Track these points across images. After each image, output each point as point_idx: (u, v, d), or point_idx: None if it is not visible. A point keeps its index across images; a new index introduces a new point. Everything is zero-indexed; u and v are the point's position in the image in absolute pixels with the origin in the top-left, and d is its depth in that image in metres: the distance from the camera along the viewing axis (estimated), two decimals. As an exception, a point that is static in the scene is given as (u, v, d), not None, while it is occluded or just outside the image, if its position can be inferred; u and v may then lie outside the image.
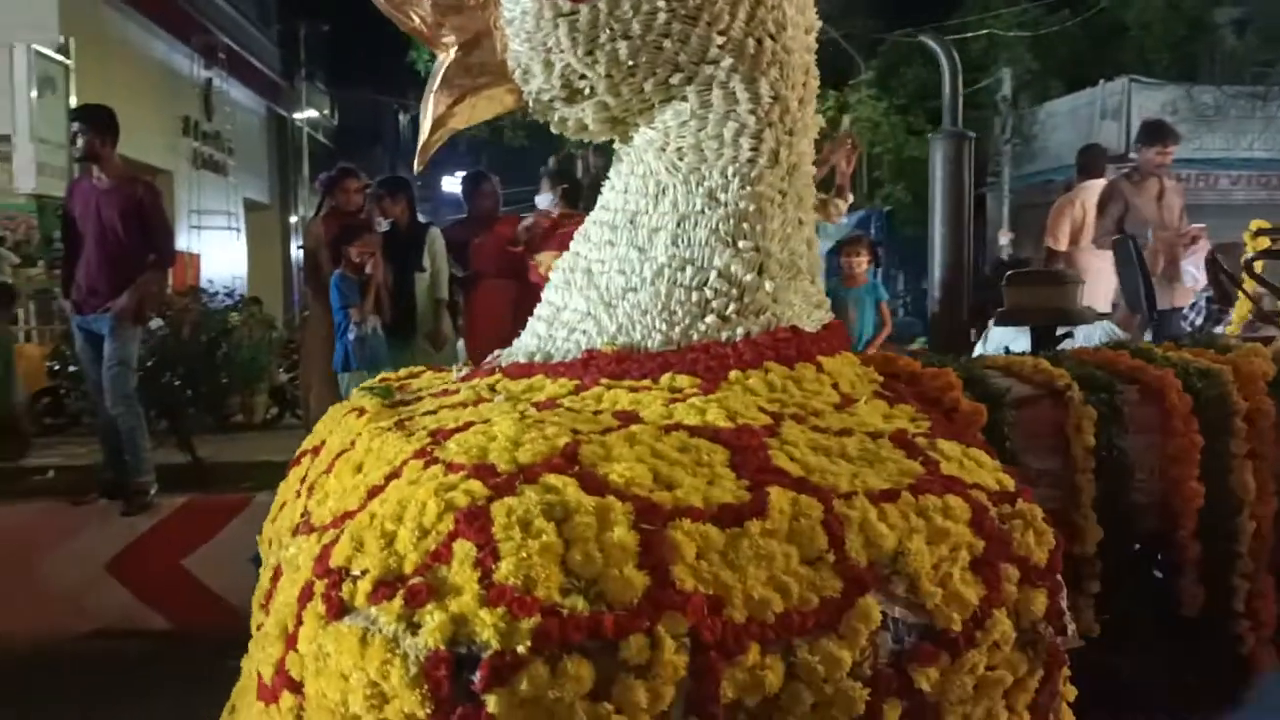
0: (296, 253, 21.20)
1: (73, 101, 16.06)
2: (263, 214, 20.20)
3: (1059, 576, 1.77)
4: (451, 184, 21.87)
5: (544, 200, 6.98)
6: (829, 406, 2.00)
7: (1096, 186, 7.70)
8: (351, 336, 6.25)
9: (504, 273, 6.67)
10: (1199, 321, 5.55)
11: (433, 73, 2.25)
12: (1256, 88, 17.87)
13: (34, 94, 16.87)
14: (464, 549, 1.47)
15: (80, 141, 6.16)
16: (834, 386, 2.09)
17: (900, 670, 1.60)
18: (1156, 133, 7.22)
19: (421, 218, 7.42)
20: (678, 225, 2.19)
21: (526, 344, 2.28)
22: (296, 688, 1.51)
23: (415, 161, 2.28)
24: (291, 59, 21.63)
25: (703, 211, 2.18)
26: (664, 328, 2.14)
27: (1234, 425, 2.46)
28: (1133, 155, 8.14)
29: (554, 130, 2.31)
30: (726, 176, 2.18)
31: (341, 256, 6.44)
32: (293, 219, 20.94)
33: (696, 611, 1.47)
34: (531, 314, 2.35)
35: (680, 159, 2.20)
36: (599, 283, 2.22)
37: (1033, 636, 1.71)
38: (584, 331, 2.19)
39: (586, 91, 2.18)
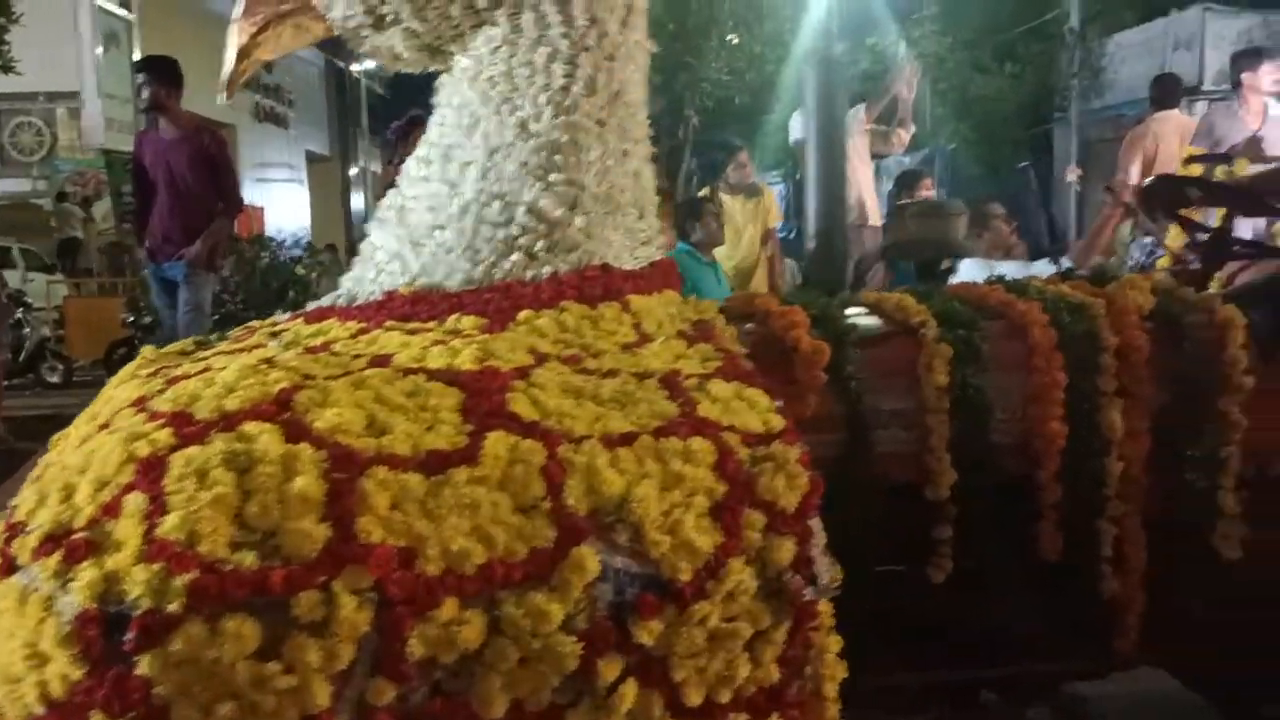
0: (357, 203, 21.41)
1: (136, 56, 16.36)
2: (323, 166, 20.45)
3: (811, 523, 1.68)
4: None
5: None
6: (616, 347, 1.92)
7: (1171, 118, 7.53)
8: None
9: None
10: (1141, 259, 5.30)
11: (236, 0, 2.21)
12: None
13: (99, 50, 17.26)
14: (135, 501, 1.44)
15: (145, 93, 6.31)
16: (636, 326, 2.01)
17: (620, 624, 1.53)
18: (1248, 56, 7.07)
19: None
20: (488, 158, 2.12)
21: (342, 286, 2.24)
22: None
23: (224, 93, 2.24)
24: (349, 9, 21.71)
25: (513, 143, 2.11)
26: (467, 266, 2.08)
27: (1102, 362, 2.32)
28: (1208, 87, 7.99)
29: (370, 59, 2.26)
30: (538, 105, 2.10)
31: None
32: (352, 170, 21.15)
33: (382, 565, 1.43)
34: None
35: (493, 88, 2.13)
36: (409, 220, 2.17)
37: (777, 586, 1.63)
38: (389, 272, 2.15)
39: (391, 17, 2.12)
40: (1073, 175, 16.99)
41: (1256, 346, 2.44)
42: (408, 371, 1.72)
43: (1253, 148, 6.15)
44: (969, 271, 5.76)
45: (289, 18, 2.18)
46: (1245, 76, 6.99)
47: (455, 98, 2.19)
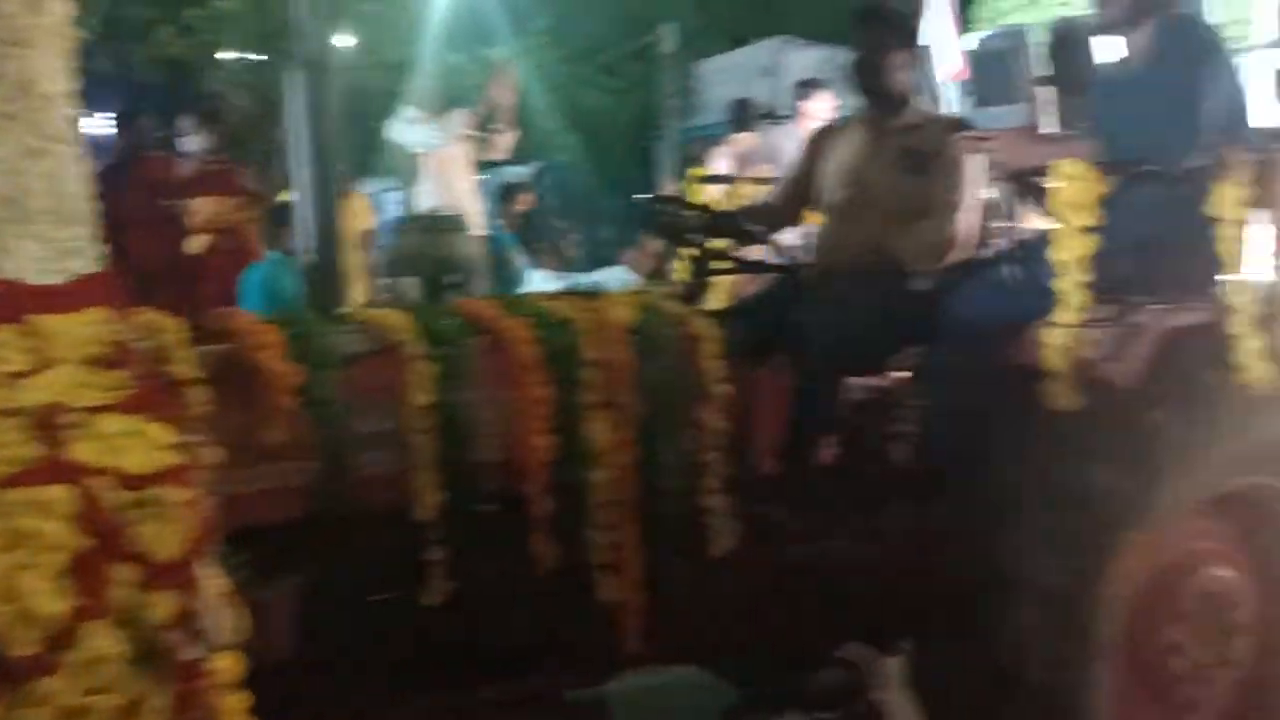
0: None
1: None
2: None
3: (199, 571, 1.53)
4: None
5: (192, 143, 6.33)
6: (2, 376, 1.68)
7: (744, 139, 8.08)
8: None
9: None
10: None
11: None
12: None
13: None
14: None
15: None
16: (35, 351, 1.76)
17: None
18: (807, 86, 7.66)
19: None
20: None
21: None
22: None
23: None
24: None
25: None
26: None
27: (585, 376, 2.35)
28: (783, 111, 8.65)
29: None
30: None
31: None
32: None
33: None
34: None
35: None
36: None
37: (154, 648, 1.47)
38: None
39: None
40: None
41: (731, 357, 2.59)
42: None
43: None
44: (539, 283, 5.87)
45: None
46: (801, 105, 7.64)
47: None
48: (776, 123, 9.17)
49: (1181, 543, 2.69)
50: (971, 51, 4.26)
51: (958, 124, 2.94)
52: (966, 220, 2.85)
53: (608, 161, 19.52)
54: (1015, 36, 4.19)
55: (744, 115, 8.68)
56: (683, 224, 2.90)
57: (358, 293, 7.30)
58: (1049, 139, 2.74)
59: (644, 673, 2.69)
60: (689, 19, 20.07)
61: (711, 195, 3.58)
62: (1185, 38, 2.63)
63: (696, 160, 8.78)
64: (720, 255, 2.92)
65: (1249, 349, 2.51)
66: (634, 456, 2.39)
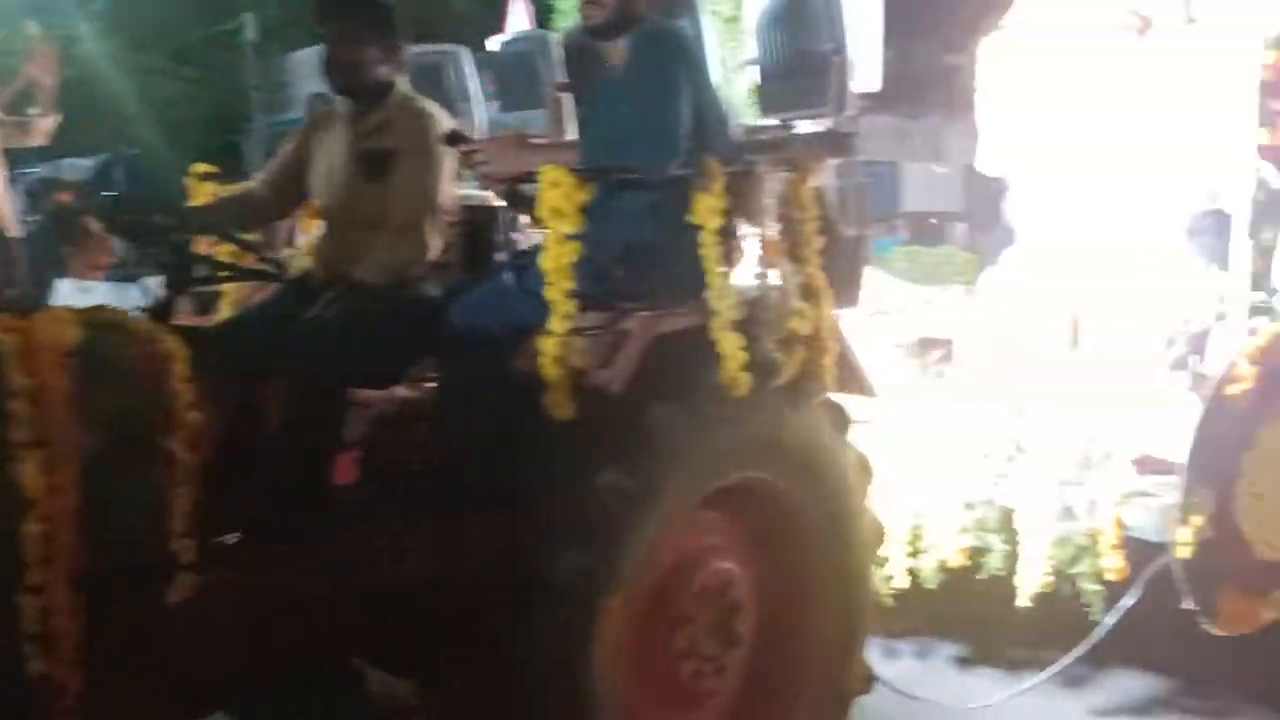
0: None
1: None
2: None
3: None
4: None
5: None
6: None
7: None
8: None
9: None
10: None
11: None
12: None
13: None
14: None
15: None
16: None
17: None
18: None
19: None
20: None
21: None
22: None
23: None
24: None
25: None
26: None
27: (13, 408, 2.01)
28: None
29: None
30: None
31: None
32: None
33: None
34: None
35: None
36: None
37: None
38: None
39: None
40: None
41: (220, 377, 2.36)
42: None
43: None
44: (65, 294, 5.21)
45: None
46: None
47: None
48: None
49: (686, 540, 2.77)
50: (494, 55, 4.23)
51: (431, 119, 2.82)
52: (436, 227, 2.78)
53: (191, 155, 18.14)
54: (538, 41, 4.21)
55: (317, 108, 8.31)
56: (149, 225, 2.58)
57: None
58: (539, 146, 2.70)
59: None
60: (271, 9, 19.09)
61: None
62: (656, 45, 2.66)
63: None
64: (206, 261, 2.64)
65: (732, 351, 2.61)
66: (75, 501, 2.07)
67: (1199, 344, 4.02)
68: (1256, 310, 3.75)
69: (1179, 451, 3.33)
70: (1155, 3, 4.56)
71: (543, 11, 8.22)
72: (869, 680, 3.09)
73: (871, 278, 4.79)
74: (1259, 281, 3.99)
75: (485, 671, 2.46)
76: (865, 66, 4.41)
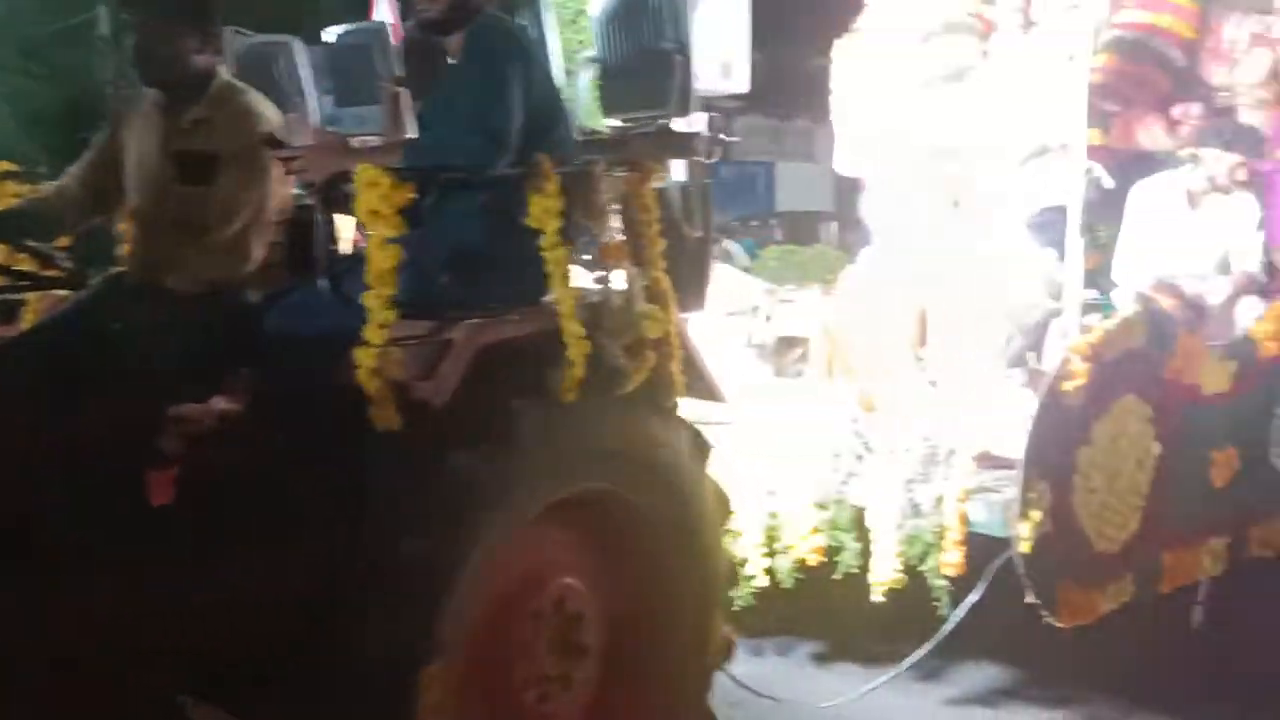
0: None
1: None
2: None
3: None
4: None
5: None
6: None
7: None
8: None
9: None
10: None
11: None
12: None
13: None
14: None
15: None
16: None
17: None
18: None
19: None
20: None
21: None
22: None
23: None
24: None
25: None
26: None
27: None
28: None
29: None
30: None
31: None
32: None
33: None
34: None
35: None
36: None
37: None
38: None
39: None
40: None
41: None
42: None
43: None
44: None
45: None
46: None
47: None
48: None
49: (528, 553, 2.68)
50: (329, 46, 4.08)
51: (256, 117, 2.68)
52: (261, 233, 2.65)
53: (36, 152, 17.37)
54: (376, 33, 4.08)
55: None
56: None
57: None
58: (359, 150, 2.58)
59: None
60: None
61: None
62: (488, 39, 2.57)
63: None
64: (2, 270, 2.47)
65: (571, 359, 2.53)
66: None
67: (1036, 340, 4.12)
68: (1089, 308, 3.84)
69: (1018, 447, 3.39)
70: (997, 7, 4.69)
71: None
72: (730, 648, 3.04)
73: (727, 278, 4.81)
74: (1092, 279, 4.10)
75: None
76: (735, 68, 4.41)
